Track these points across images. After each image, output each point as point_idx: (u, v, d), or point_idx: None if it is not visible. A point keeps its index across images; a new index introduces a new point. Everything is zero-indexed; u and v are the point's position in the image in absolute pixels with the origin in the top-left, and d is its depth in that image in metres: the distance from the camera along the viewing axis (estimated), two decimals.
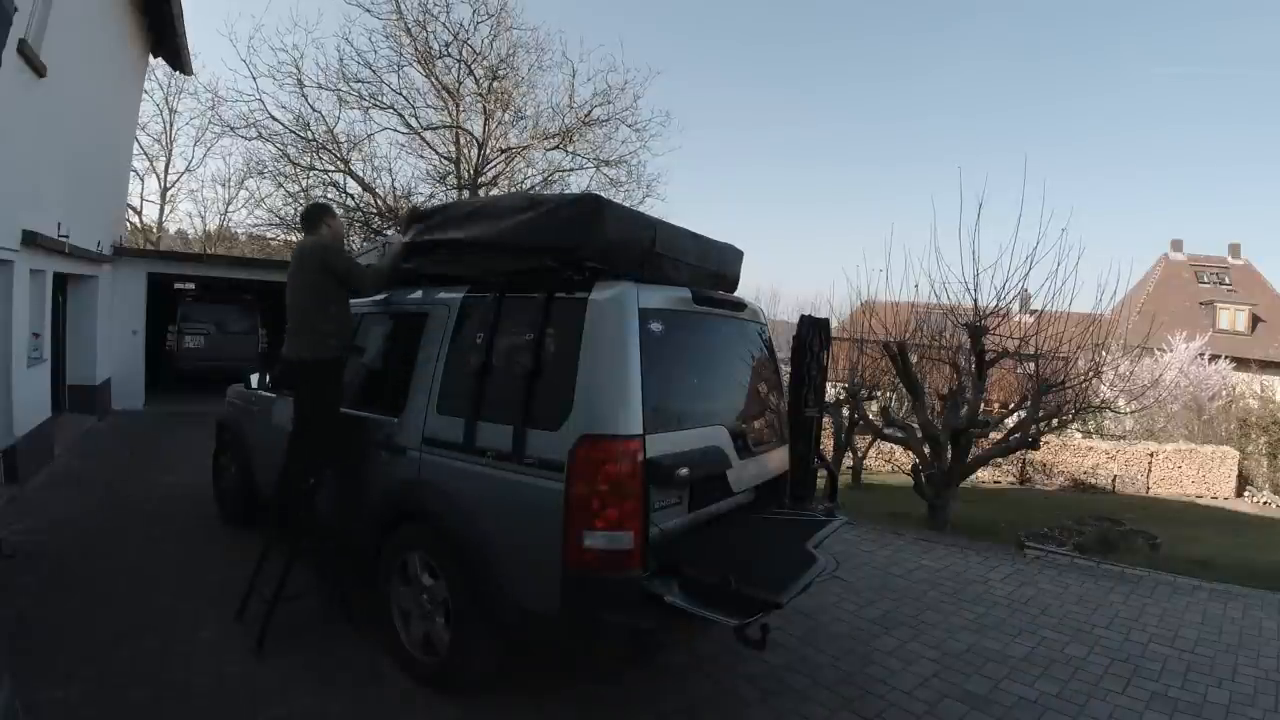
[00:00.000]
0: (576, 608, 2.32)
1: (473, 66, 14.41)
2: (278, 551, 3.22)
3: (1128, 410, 11.13)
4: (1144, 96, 57.57)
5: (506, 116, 15.11)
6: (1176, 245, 26.57)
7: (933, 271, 10.37)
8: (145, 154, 20.29)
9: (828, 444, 9.77)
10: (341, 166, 14.54)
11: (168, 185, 21.46)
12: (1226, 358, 18.14)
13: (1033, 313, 7.33)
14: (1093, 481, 14.34)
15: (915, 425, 7.69)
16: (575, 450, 2.33)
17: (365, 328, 3.73)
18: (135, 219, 20.47)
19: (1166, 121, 54.62)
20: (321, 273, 3.25)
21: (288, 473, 3.32)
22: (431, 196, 15.32)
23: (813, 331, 3.79)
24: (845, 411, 10.11)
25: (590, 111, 14.95)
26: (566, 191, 13.68)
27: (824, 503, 3.62)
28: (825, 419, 8.01)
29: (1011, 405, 8.83)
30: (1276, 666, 3.50)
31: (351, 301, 4.06)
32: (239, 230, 21.13)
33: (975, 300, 6.75)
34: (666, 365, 2.63)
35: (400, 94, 14.37)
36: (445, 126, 14.92)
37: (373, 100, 14.12)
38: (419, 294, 3.35)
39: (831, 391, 9.70)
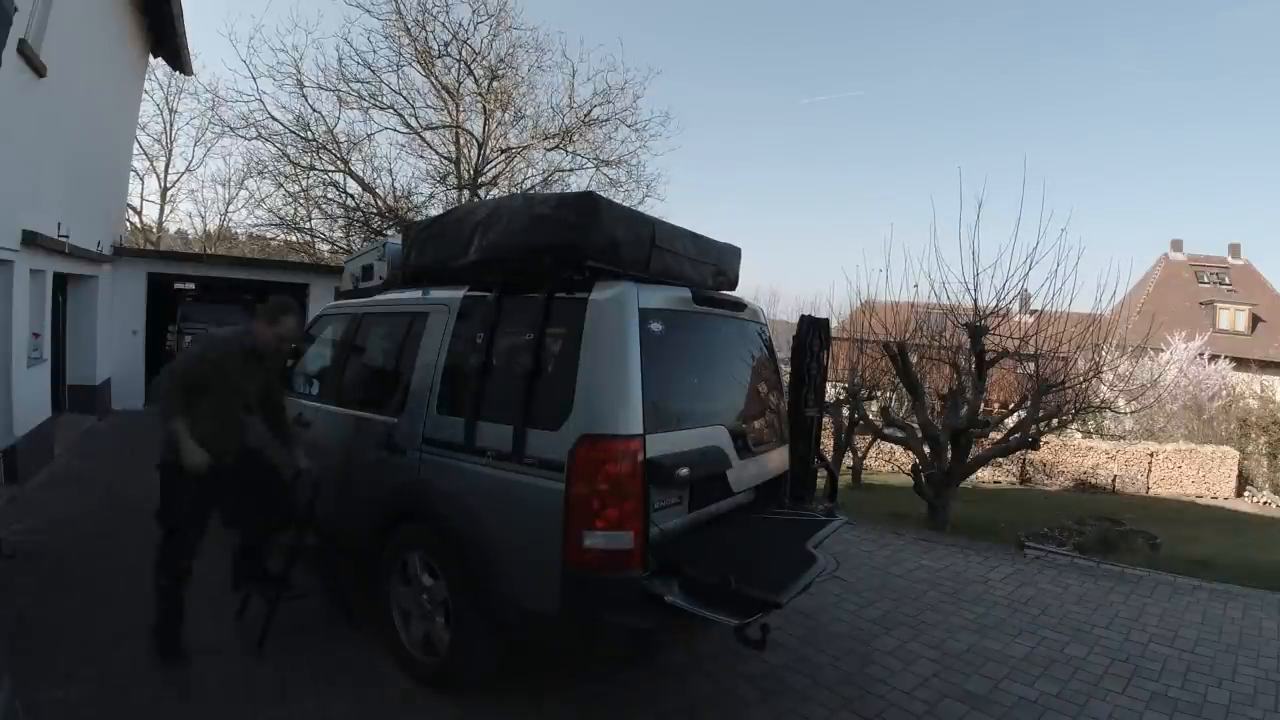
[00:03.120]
0: (576, 608, 2.31)
1: (472, 66, 14.42)
2: (279, 552, 3.22)
3: (1127, 410, 11.13)
4: (1144, 96, 57.60)
5: (506, 116, 15.13)
6: (1176, 245, 26.58)
7: (933, 271, 10.37)
8: (145, 154, 20.34)
9: (828, 444, 9.77)
10: (341, 166, 14.54)
11: (168, 185, 21.51)
12: (1226, 358, 18.15)
13: (1033, 313, 7.33)
14: (1093, 481, 14.34)
15: (915, 425, 7.69)
16: (575, 450, 2.33)
17: (365, 327, 3.74)
18: (135, 219, 20.48)
19: (1167, 121, 54.65)
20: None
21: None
22: (431, 196, 15.34)
23: (812, 331, 3.79)
24: (845, 411, 10.11)
25: (590, 111, 14.96)
26: (566, 191, 13.68)
27: (824, 503, 3.62)
28: (825, 419, 8.01)
29: (1011, 405, 8.83)
30: (1276, 666, 3.50)
31: (352, 300, 4.10)
32: (239, 230, 21.15)
33: (975, 300, 6.76)
34: (666, 365, 2.63)
35: (400, 94, 14.40)
36: (445, 126, 14.92)
37: (372, 100, 14.14)
38: (419, 294, 3.35)
39: (831, 391, 9.70)
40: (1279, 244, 51.43)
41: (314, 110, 13.92)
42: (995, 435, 7.73)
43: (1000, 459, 11.71)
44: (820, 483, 3.85)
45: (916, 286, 7.66)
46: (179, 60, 10.96)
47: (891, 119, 71.60)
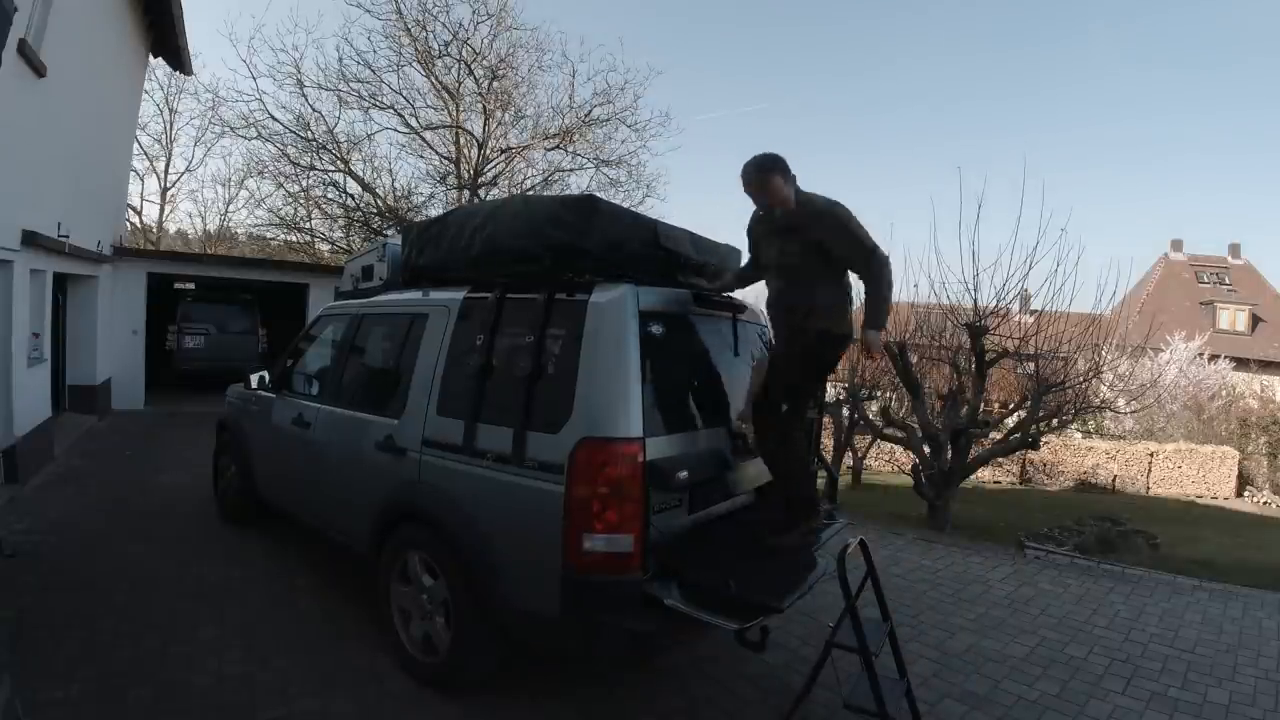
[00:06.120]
0: (576, 610, 2.32)
1: (472, 66, 14.41)
2: None
3: (1127, 410, 11.14)
4: (1145, 96, 57.57)
5: (506, 116, 15.13)
6: (1176, 245, 26.60)
7: (933, 271, 10.39)
8: (145, 154, 20.35)
9: (828, 444, 9.77)
10: (341, 166, 14.55)
11: (168, 185, 21.52)
12: (1226, 358, 18.15)
13: (1033, 313, 7.33)
14: (1093, 481, 14.34)
15: (915, 425, 7.70)
16: (575, 453, 2.33)
17: (365, 328, 3.74)
18: (135, 219, 20.48)
19: (1167, 121, 54.63)
20: None
21: None
22: (431, 196, 15.35)
23: None
24: (845, 411, 10.12)
25: (590, 111, 14.96)
26: (567, 192, 13.70)
27: (824, 504, 3.61)
28: (825, 419, 8.01)
29: (1011, 405, 8.84)
30: (1276, 666, 3.50)
31: (350, 301, 4.10)
32: (239, 230, 21.18)
33: (975, 300, 6.76)
34: (666, 367, 2.63)
35: (400, 94, 14.40)
36: (445, 126, 14.92)
37: (373, 100, 14.14)
38: (419, 295, 3.35)
39: (831, 391, 9.70)
40: (1279, 244, 51.44)
41: (314, 110, 13.95)
42: (995, 435, 7.73)
43: (1000, 459, 11.70)
44: (820, 484, 3.84)
45: (916, 286, 7.68)
46: (179, 60, 10.97)
47: (890, 118, 71.50)
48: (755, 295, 3.84)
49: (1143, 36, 56.41)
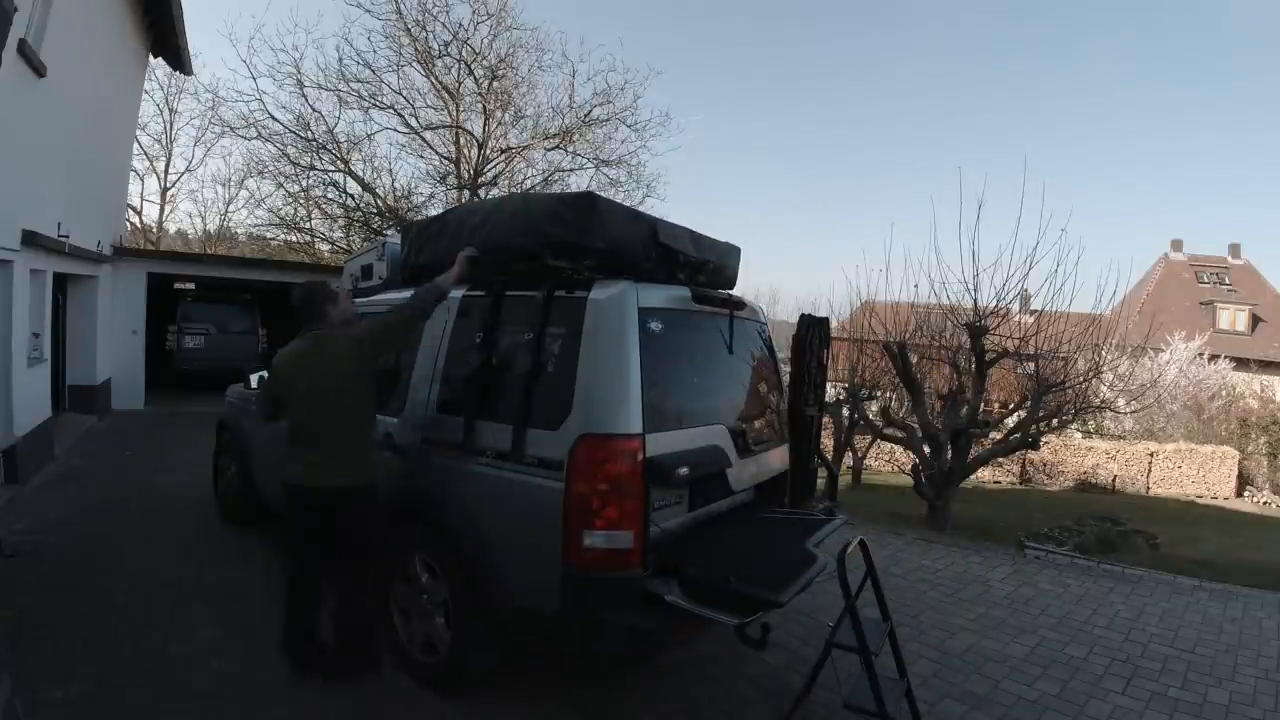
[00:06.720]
0: (576, 607, 2.31)
1: (472, 66, 14.40)
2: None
3: (1127, 410, 11.13)
4: (1144, 99, 57.57)
5: (506, 116, 15.12)
6: (1176, 245, 26.58)
7: (933, 271, 10.36)
8: (145, 154, 20.34)
9: (828, 444, 9.77)
10: (341, 166, 14.54)
11: (168, 185, 21.51)
12: (1226, 358, 18.13)
13: (1033, 313, 7.33)
14: (1093, 481, 14.34)
15: (915, 425, 7.69)
16: (575, 449, 2.33)
17: None
18: (135, 219, 20.48)
19: (1166, 123, 54.63)
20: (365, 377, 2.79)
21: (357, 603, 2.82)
22: (431, 196, 15.34)
23: (813, 330, 3.78)
24: (845, 411, 10.11)
25: (590, 111, 14.94)
26: (566, 191, 13.68)
27: (823, 502, 3.62)
28: (825, 419, 8.01)
29: (1011, 405, 8.84)
30: (1276, 666, 3.50)
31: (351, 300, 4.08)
32: (239, 230, 21.16)
33: (975, 300, 6.76)
34: (666, 364, 2.63)
35: (400, 94, 14.37)
36: (445, 126, 14.91)
37: (372, 100, 14.12)
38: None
39: (831, 391, 9.70)
40: (1279, 244, 51.46)
41: (314, 110, 13.93)
42: (995, 435, 7.73)
43: (1000, 459, 11.71)
44: (820, 482, 3.84)
45: (916, 286, 7.68)
46: (179, 60, 10.97)
47: (891, 122, 71.49)
48: (755, 292, 3.84)
49: (1143, 52, 56.48)
